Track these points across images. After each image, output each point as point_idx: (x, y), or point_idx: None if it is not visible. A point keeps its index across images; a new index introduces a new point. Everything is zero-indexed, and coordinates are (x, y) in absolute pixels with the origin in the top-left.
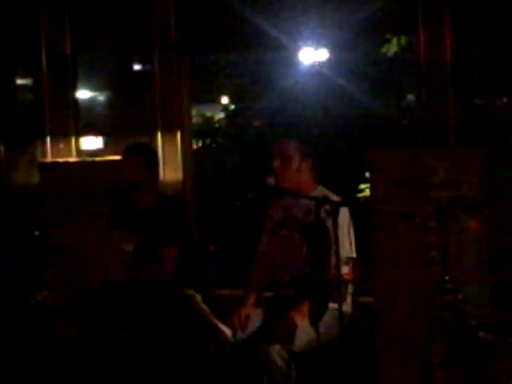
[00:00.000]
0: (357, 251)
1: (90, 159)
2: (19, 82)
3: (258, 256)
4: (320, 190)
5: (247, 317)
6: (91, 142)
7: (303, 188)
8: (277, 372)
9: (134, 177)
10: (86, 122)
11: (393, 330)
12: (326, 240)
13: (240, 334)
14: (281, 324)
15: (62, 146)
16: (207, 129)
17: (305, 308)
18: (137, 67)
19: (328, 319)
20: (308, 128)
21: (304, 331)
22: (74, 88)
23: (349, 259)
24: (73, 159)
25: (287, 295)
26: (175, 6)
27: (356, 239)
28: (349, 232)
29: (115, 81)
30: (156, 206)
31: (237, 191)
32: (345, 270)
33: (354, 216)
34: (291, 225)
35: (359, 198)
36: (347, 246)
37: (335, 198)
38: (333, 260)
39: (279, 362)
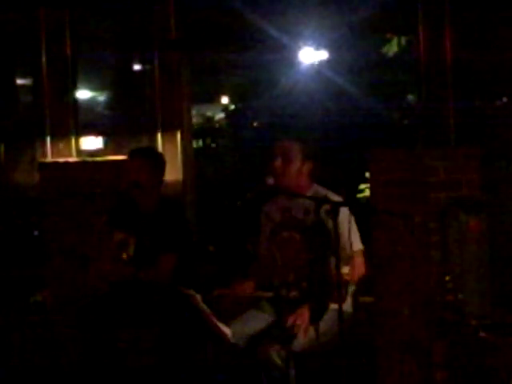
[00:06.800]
0: None
1: (90, 159)
2: (19, 82)
3: (259, 259)
4: (315, 189)
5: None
6: (91, 142)
7: (300, 188)
8: (275, 372)
9: (135, 178)
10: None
11: (393, 330)
12: (325, 240)
13: (240, 336)
14: (281, 324)
15: (61, 146)
16: (207, 129)
17: (305, 308)
18: (137, 67)
19: (328, 319)
20: (308, 128)
21: (304, 331)
22: (74, 88)
23: (349, 258)
24: (73, 159)
25: (290, 296)
26: (175, 6)
27: None
28: (349, 231)
29: (115, 81)
30: (157, 209)
31: (237, 191)
32: (345, 269)
33: (354, 214)
34: (291, 226)
35: (359, 198)
36: (347, 246)
37: (334, 196)
38: (333, 260)
39: (278, 361)
